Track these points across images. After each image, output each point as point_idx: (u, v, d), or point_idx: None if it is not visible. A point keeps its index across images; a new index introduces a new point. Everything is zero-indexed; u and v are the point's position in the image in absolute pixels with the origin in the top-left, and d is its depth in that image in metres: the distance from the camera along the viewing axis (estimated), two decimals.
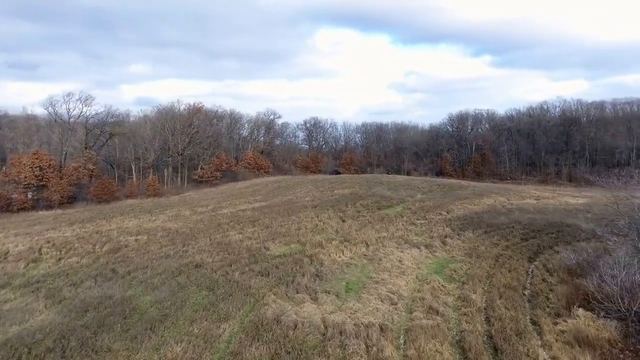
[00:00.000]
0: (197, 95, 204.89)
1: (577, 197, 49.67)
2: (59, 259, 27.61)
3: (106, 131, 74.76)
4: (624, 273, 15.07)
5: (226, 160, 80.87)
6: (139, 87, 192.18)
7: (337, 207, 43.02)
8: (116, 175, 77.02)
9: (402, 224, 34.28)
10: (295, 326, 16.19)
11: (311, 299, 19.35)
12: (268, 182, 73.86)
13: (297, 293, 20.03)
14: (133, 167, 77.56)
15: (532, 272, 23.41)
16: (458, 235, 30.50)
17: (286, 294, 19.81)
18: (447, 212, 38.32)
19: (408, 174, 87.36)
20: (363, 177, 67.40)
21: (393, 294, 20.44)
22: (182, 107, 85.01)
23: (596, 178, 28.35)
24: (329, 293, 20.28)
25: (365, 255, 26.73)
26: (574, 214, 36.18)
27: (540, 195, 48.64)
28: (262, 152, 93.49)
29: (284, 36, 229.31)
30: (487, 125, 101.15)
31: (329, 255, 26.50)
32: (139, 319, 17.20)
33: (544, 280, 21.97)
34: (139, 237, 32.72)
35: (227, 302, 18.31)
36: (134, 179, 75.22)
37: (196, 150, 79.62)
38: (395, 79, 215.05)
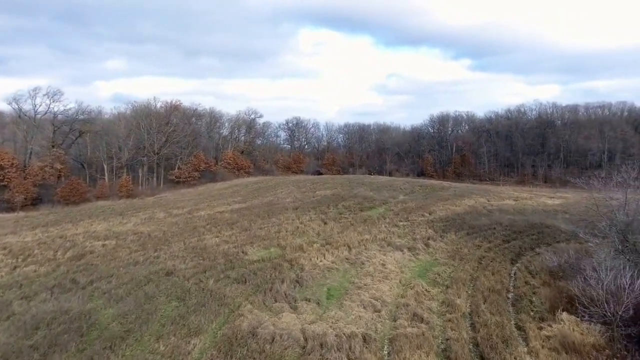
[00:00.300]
0: (177, 94, 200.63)
1: (553, 197, 50.34)
2: (14, 268, 25.52)
3: (76, 128, 71.61)
4: (610, 277, 14.71)
5: (205, 160, 78.86)
6: (116, 84, 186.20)
7: (318, 208, 42.13)
8: (87, 176, 73.93)
9: (385, 226, 33.65)
10: (273, 339, 15.17)
11: (290, 308, 18.36)
12: (248, 182, 72.36)
13: (276, 302, 19.01)
14: (105, 166, 74.64)
15: (514, 274, 23.10)
16: (441, 237, 30.07)
17: (263, 303, 18.75)
18: (430, 214, 37.96)
19: (390, 174, 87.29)
20: (345, 178, 66.78)
21: (376, 300, 19.67)
22: (159, 105, 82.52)
23: (577, 180, 28.34)
24: (309, 301, 19.34)
25: (347, 259, 25.92)
26: (553, 215, 36.38)
27: (518, 196, 49.00)
28: (242, 152, 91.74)
29: (266, 35, 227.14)
30: (466, 127, 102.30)
31: (310, 260, 25.57)
32: (98, 336, 15.72)
33: (526, 282, 21.65)
34: (106, 242, 30.96)
35: (199, 314, 17.08)
36: (106, 180, 72.39)
37: (173, 150, 77.26)
38: (377, 81, 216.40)
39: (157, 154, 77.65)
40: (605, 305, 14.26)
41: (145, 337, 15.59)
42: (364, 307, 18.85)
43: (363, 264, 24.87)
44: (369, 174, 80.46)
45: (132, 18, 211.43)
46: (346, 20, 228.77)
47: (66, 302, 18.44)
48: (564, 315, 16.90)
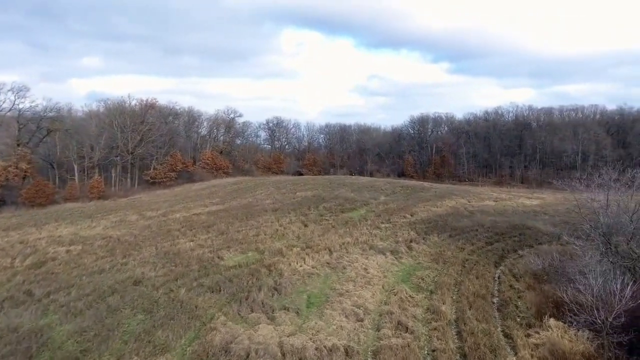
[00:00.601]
0: (156, 92, 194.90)
1: (531, 198, 50.78)
2: None
3: (44, 126, 68.10)
4: (600, 282, 14.20)
5: (182, 160, 76.49)
6: (92, 82, 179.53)
7: (299, 210, 41.03)
8: (56, 176, 70.44)
9: (367, 228, 32.83)
10: (248, 356, 13.98)
11: (267, 319, 17.18)
12: (227, 183, 70.54)
13: (252, 312, 17.80)
14: (76, 166, 71.29)
15: (499, 278, 22.59)
16: (423, 239, 29.43)
17: (239, 314, 17.52)
18: (411, 215, 37.39)
19: (371, 175, 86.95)
20: (326, 179, 65.85)
21: (359, 307, 18.73)
22: (133, 102, 79.51)
23: (558, 182, 28.17)
24: (288, 310, 18.22)
25: (328, 263, 24.91)
26: (533, 216, 36.37)
27: (498, 197, 49.16)
28: (221, 152, 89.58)
29: (247, 35, 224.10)
30: (446, 128, 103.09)
31: (290, 265, 24.45)
32: (50, 357, 14.11)
33: (511, 286, 21.14)
34: (71, 247, 28.97)
35: (167, 329, 15.68)
36: (77, 180, 69.20)
37: (148, 149, 74.53)
38: (358, 82, 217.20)
39: (132, 153, 74.81)
40: (595, 312, 13.72)
41: (105, 357, 14.05)
42: (346, 316, 17.87)
43: (345, 268, 23.92)
44: (350, 175, 79.86)
45: (109, 15, 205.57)
46: (328, 21, 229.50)
47: (16, 318, 16.61)
48: (552, 321, 16.36)
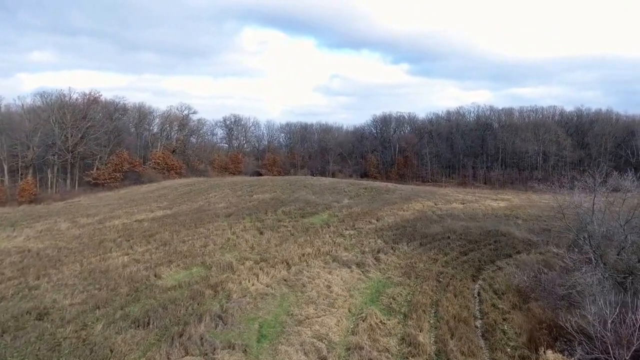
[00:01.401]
0: (112, 89, 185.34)
1: (497, 199, 49.79)
2: None
3: None
4: (615, 313, 11.76)
5: (129, 160, 70.02)
6: (42, 77, 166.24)
7: (255, 215, 37.24)
8: None
9: (329, 236, 29.66)
10: None
11: None
12: (179, 184, 65.10)
13: (186, 355, 13.99)
14: (6, 167, 63.35)
15: (479, 295, 20.10)
16: (392, 249, 26.63)
17: (168, 359, 13.66)
18: (377, 220, 34.65)
19: (333, 175, 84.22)
20: (286, 180, 62.16)
21: (321, 340, 15.43)
22: (75, 96, 71.89)
23: (540, 185, 26.27)
24: (233, 348, 14.58)
25: (285, 280, 21.46)
26: (505, 221, 34.69)
27: (464, 199, 47.63)
28: (174, 150, 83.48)
29: (208, 32, 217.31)
30: (408, 128, 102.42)
31: (240, 283, 20.76)
32: None
33: (494, 306, 18.65)
34: None
35: None
36: (6, 182, 61.34)
37: (90, 148, 67.53)
38: (320, 82, 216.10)
39: (72, 152, 67.60)
40: (610, 349, 11.23)
41: None
42: (306, 354, 14.50)
43: (305, 286, 20.57)
44: (311, 175, 76.57)
45: (62, 8, 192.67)
46: (290, 20, 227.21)
47: None
48: (550, 354, 13.81)
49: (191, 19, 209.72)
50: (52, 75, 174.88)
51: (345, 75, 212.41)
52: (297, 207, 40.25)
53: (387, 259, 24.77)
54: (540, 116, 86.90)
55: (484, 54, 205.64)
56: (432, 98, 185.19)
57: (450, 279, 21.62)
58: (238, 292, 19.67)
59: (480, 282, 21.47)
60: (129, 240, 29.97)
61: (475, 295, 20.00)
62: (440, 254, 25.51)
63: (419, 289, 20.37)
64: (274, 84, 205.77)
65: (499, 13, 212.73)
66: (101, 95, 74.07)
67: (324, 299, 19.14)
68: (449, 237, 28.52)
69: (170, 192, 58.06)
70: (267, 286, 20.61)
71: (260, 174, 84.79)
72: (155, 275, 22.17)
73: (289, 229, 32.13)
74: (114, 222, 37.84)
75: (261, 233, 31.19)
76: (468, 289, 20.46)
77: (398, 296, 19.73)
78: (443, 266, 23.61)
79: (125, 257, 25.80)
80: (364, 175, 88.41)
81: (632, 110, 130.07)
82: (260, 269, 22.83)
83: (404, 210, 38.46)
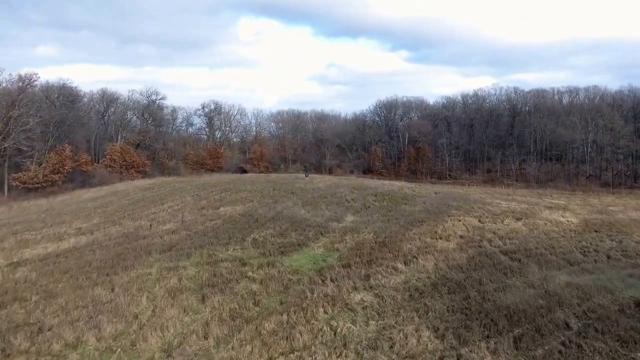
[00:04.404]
0: (111, 81, 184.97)
1: (552, 207, 36.07)
2: None
3: None
4: None
5: (71, 157, 55.55)
6: (45, 72, 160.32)
7: (208, 248, 23.51)
8: None
9: (325, 312, 15.75)
10: None
11: None
12: (134, 188, 50.90)
13: None
14: None
15: None
16: (457, 354, 12.67)
17: None
18: (405, 262, 20.80)
19: (330, 172, 70.14)
20: (270, 181, 48.01)
21: None
22: (2, 78, 56.91)
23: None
24: None
25: None
26: (629, 271, 20.63)
27: (514, 210, 33.74)
28: (138, 144, 69.02)
29: (204, 24, 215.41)
30: (418, 115, 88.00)
31: None
32: None
33: None
34: None
35: None
36: None
37: (19, 142, 52.98)
38: (316, 71, 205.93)
39: None
40: None
41: None
42: None
43: None
44: (303, 172, 62.30)
45: (64, 3, 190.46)
46: (285, 9, 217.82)
47: None
48: None
49: (187, 11, 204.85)
50: (55, 69, 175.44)
51: (342, 64, 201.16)
52: (276, 231, 26.43)
53: None
54: (584, 97, 72.59)
55: (485, 39, 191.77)
56: (431, 85, 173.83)
57: None
58: None
59: None
60: None
61: None
62: None
63: None
64: (270, 74, 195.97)
65: None
66: (38, 77, 59.15)
67: None
68: (567, 325, 14.31)
69: (118, 200, 43.95)
70: None
71: (244, 171, 70.75)
72: None
73: (253, 288, 18.20)
74: None
75: (203, 300, 17.27)
76: None
77: None
78: None
79: None
80: (368, 171, 74.24)
81: None
82: None
83: (442, 239, 24.52)
